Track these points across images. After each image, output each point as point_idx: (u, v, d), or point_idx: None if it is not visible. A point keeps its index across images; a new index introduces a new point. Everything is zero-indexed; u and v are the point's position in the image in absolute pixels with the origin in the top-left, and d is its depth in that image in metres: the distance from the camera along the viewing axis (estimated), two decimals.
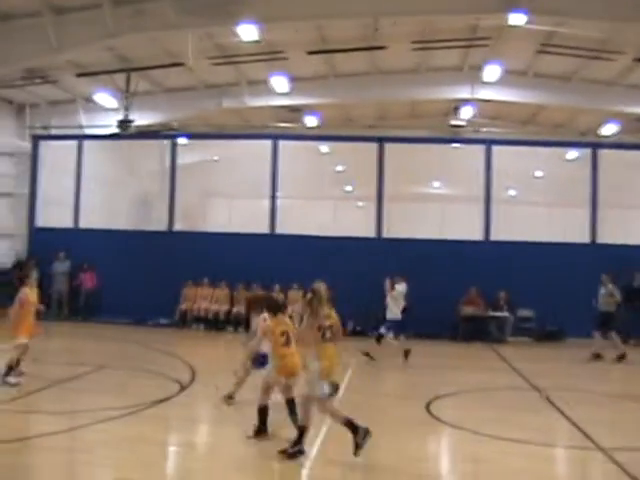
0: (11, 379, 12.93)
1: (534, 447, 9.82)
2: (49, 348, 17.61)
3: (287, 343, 9.90)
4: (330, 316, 9.20)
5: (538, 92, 27.74)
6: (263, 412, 9.91)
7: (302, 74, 26.91)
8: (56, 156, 27.90)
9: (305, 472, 8.47)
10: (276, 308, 10.34)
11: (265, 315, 10.77)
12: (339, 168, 28.11)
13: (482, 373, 17.23)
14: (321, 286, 9.42)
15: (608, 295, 19.17)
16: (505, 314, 23.04)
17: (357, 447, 8.60)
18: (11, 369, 13.05)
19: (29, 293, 13.68)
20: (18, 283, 14.09)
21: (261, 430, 9.87)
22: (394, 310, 18.04)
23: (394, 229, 24.45)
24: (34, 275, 14.14)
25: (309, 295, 9.39)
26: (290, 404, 9.98)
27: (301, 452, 8.83)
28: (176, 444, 10.03)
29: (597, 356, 18.81)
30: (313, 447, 9.34)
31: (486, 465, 9.26)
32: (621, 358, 18.63)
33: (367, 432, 8.63)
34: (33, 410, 11.55)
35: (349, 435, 8.73)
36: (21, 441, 9.44)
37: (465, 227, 24.48)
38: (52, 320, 24.66)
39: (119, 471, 8.49)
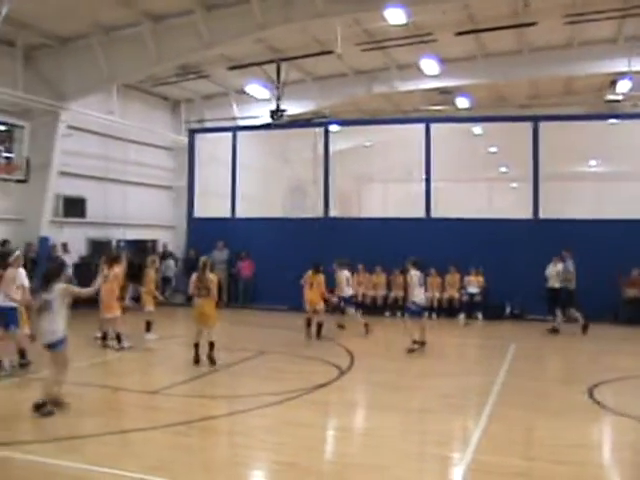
0: (124, 343, 15.93)
1: None
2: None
3: (310, 287, 18.12)
4: (206, 279, 14.15)
5: None
6: (308, 323, 18.25)
7: (451, 55, 26.51)
8: (211, 148, 28.74)
9: (467, 459, 8.36)
10: (315, 269, 18.37)
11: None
12: (492, 149, 27.55)
13: None
14: (204, 259, 14.69)
15: (565, 272, 20.03)
16: None
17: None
18: (119, 336, 15.90)
19: (117, 272, 16.10)
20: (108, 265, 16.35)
21: (311, 333, 18.18)
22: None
23: (550, 209, 23.76)
24: (124, 259, 16.94)
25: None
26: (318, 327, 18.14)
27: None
28: (336, 429, 10.09)
29: (555, 330, 19.92)
30: (472, 437, 9.25)
31: None
32: (585, 329, 19.65)
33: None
34: (197, 394, 11.94)
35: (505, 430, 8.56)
36: (186, 424, 9.76)
37: (625, 206, 23.43)
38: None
39: (280, 455, 8.65)
